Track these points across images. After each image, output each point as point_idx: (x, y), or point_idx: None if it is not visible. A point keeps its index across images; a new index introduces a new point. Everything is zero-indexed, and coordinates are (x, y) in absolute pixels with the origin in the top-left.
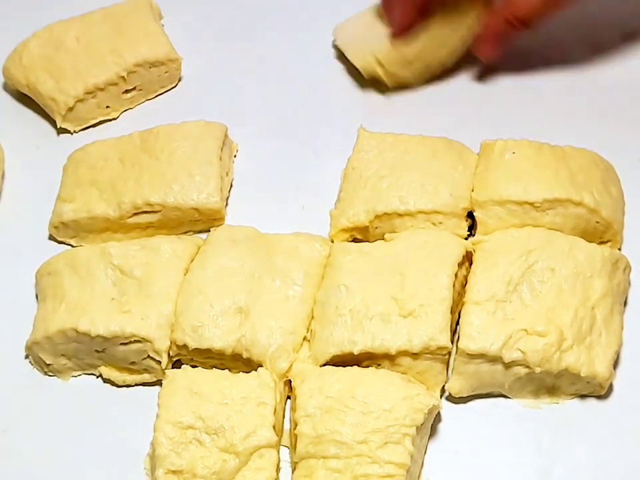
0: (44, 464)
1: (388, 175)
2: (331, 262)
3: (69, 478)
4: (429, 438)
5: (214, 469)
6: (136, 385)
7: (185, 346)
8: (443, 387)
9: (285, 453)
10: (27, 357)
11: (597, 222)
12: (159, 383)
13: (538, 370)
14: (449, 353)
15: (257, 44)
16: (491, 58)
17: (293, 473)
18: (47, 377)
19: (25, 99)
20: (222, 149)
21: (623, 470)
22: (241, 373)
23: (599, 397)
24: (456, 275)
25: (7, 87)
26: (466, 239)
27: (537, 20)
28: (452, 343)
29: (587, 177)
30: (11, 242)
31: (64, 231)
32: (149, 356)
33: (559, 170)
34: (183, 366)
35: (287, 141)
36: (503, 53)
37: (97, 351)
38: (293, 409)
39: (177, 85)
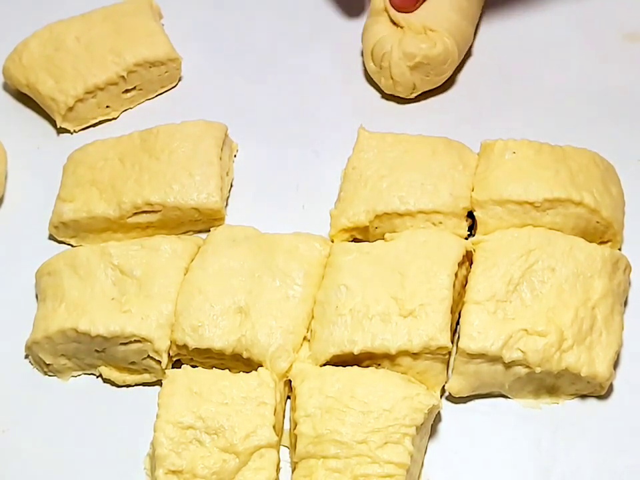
0: (44, 464)
1: (388, 175)
2: (331, 262)
3: (68, 478)
4: (429, 438)
5: (214, 469)
6: (136, 385)
7: (185, 346)
8: (443, 387)
9: (285, 452)
10: (26, 356)
11: (597, 222)
12: (159, 383)
13: (538, 370)
14: (449, 353)
15: (257, 44)
16: (404, 8)
17: (292, 472)
18: (47, 377)
19: (24, 98)
20: (222, 149)
21: (623, 470)
22: (241, 372)
23: (599, 397)
24: (456, 275)
25: (7, 87)
26: (466, 238)
27: None
28: (452, 342)
29: (587, 176)
30: (11, 242)
31: (64, 231)
32: (149, 356)
33: (559, 170)
34: (183, 366)
35: (287, 141)
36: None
37: (97, 351)
38: (293, 409)
39: (176, 84)
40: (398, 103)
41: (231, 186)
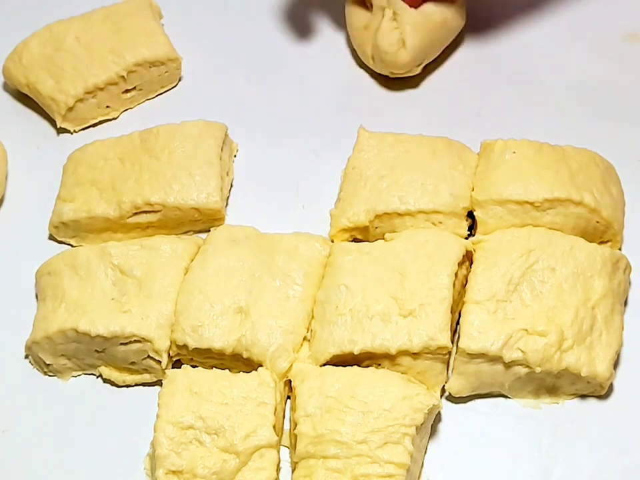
0: (44, 464)
1: (388, 175)
2: (331, 261)
3: (68, 478)
4: (429, 438)
5: (214, 469)
6: (136, 385)
7: (185, 346)
8: (443, 386)
9: (285, 452)
10: (26, 356)
11: (597, 222)
12: (159, 383)
13: (538, 370)
14: (449, 353)
15: (256, 44)
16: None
17: (292, 472)
18: (46, 377)
19: (24, 99)
20: (222, 149)
21: (623, 470)
22: (241, 372)
23: (599, 397)
24: (456, 275)
25: (6, 87)
26: (466, 238)
27: None
28: (452, 342)
29: (587, 176)
30: (11, 242)
31: (64, 231)
32: (149, 356)
33: (559, 170)
34: (183, 366)
35: (287, 140)
36: None
37: (97, 351)
38: (293, 409)
39: (176, 84)
40: (398, 102)
41: (231, 186)
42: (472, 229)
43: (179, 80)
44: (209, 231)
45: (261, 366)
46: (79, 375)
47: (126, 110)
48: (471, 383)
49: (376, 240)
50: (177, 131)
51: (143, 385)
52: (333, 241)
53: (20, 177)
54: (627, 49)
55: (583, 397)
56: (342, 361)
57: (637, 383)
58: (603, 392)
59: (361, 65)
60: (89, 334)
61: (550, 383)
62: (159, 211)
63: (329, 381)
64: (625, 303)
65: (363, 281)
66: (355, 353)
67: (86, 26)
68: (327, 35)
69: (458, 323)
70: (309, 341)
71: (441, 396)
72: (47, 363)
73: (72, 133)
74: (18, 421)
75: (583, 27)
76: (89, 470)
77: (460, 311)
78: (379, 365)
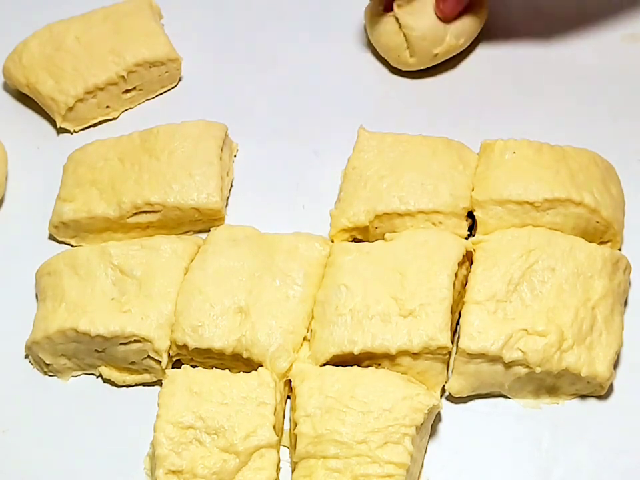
0: (44, 464)
1: (388, 175)
2: (331, 262)
3: (69, 478)
4: (429, 438)
5: (214, 468)
6: (136, 385)
7: (185, 346)
8: (443, 387)
9: (285, 452)
10: (26, 356)
11: (597, 222)
12: (159, 382)
13: (538, 370)
14: (449, 353)
15: (257, 44)
16: (450, 16)
17: (292, 473)
18: (46, 376)
19: (24, 99)
20: (222, 149)
21: (623, 470)
22: (241, 372)
23: (599, 397)
24: (456, 275)
25: (7, 87)
26: (466, 238)
27: None
28: (452, 342)
29: (587, 176)
30: (11, 242)
31: (64, 231)
32: (149, 356)
33: (559, 170)
34: (183, 366)
35: (286, 140)
36: (460, 11)
37: (97, 351)
38: (293, 409)
39: (177, 84)
40: (398, 102)
41: (231, 186)
42: (472, 229)
43: (179, 80)
44: (209, 230)
45: (261, 366)
46: (79, 375)
47: (126, 110)
48: (471, 383)
49: (376, 240)
50: (176, 131)
51: (143, 384)
52: (333, 241)
53: (20, 177)
54: (627, 49)
55: (583, 397)
56: (342, 361)
57: (637, 383)
58: (602, 392)
59: (361, 64)
60: (89, 334)
61: (550, 383)
62: (159, 211)
63: (329, 380)
64: (625, 303)
65: (362, 281)
66: (355, 353)
67: (86, 26)
68: (328, 35)
69: (458, 323)
70: (309, 340)
71: (441, 396)
72: (47, 362)
73: (72, 133)
74: (18, 421)
75: (583, 27)
76: (89, 470)
77: (460, 311)
78: (379, 365)
